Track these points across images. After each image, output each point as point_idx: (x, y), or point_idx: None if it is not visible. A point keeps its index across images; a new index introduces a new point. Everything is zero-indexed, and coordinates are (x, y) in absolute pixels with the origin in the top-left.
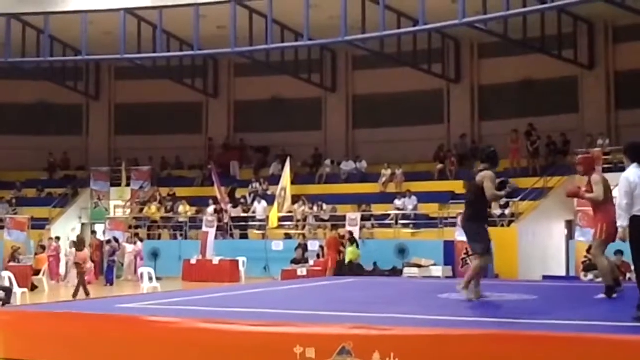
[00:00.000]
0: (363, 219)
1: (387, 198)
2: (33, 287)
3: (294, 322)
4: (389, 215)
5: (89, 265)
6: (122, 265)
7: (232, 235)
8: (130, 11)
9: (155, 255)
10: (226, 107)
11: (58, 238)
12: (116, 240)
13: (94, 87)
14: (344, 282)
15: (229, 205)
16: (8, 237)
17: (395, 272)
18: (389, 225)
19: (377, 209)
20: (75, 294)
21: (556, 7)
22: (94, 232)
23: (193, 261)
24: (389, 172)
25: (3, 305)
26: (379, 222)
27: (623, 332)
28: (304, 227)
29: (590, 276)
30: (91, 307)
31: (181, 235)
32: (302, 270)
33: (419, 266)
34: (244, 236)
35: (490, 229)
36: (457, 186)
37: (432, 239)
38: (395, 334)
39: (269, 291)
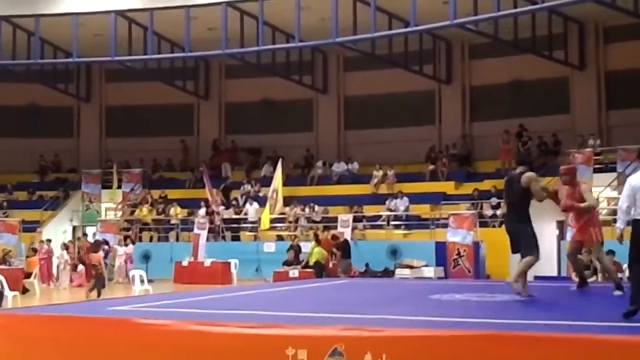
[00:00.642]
0: (355, 220)
1: (378, 199)
2: (24, 290)
3: (285, 324)
4: (380, 216)
5: (80, 268)
6: (114, 267)
7: (223, 237)
8: (120, 13)
9: (146, 257)
10: (217, 108)
11: (49, 241)
12: (106, 242)
13: (85, 89)
14: (336, 283)
15: (221, 207)
16: None
17: (387, 273)
18: (380, 227)
19: (369, 210)
20: (98, 294)
21: (547, 7)
22: (85, 235)
23: (185, 263)
24: (380, 173)
25: None
26: (370, 223)
27: (615, 332)
28: (295, 229)
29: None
30: (82, 310)
31: (173, 237)
32: (294, 272)
33: (411, 267)
34: (236, 238)
35: (482, 230)
36: (449, 187)
37: (423, 240)
38: (387, 335)
39: (261, 293)
